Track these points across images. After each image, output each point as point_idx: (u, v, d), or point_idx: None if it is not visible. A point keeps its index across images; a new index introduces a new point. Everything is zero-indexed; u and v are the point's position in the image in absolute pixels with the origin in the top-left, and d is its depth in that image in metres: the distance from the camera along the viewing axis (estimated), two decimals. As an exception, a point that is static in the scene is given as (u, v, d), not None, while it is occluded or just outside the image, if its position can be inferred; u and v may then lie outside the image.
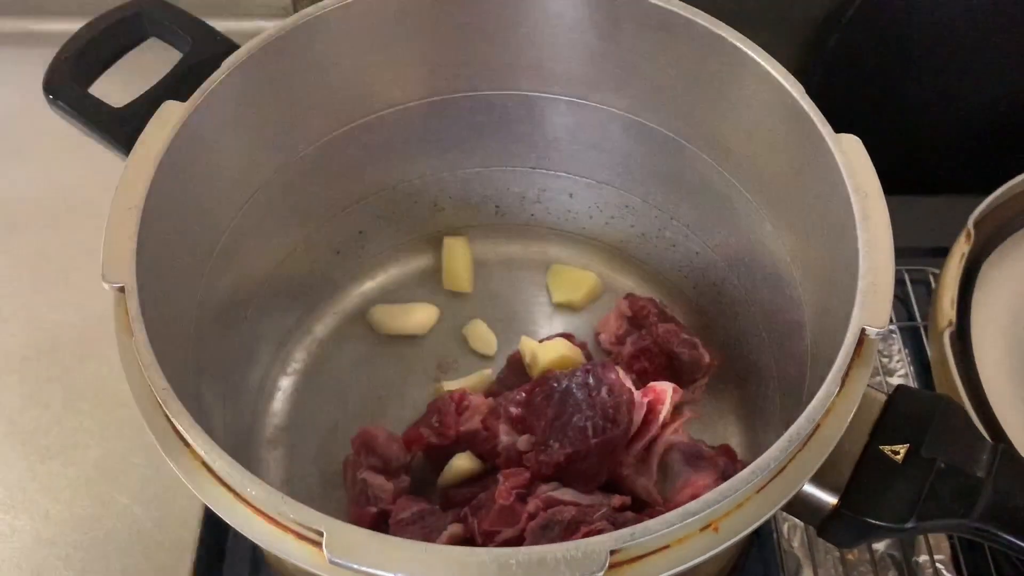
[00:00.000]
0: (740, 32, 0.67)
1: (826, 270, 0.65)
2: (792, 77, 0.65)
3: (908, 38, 1.03)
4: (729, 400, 0.84)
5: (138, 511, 0.83)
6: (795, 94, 0.64)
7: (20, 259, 0.99)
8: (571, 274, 0.91)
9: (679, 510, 0.48)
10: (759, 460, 0.50)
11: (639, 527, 0.47)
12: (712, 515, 0.49)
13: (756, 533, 0.81)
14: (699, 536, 0.49)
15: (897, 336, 0.94)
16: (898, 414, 0.58)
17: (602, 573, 0.46)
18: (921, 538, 0.81)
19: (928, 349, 0.88)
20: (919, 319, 0.95)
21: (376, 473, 0.74)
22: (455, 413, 0.75)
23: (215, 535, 0.81)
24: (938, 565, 0.80)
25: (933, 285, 0.95)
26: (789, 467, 0.52)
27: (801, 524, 0.82)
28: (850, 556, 0.81)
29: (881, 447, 0.57)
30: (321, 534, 0.47)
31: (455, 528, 0.68)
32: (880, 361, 0.92)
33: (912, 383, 0.90)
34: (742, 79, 0.68)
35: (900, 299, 0.97)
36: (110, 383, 0.90)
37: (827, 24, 1.06)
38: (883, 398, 0.59)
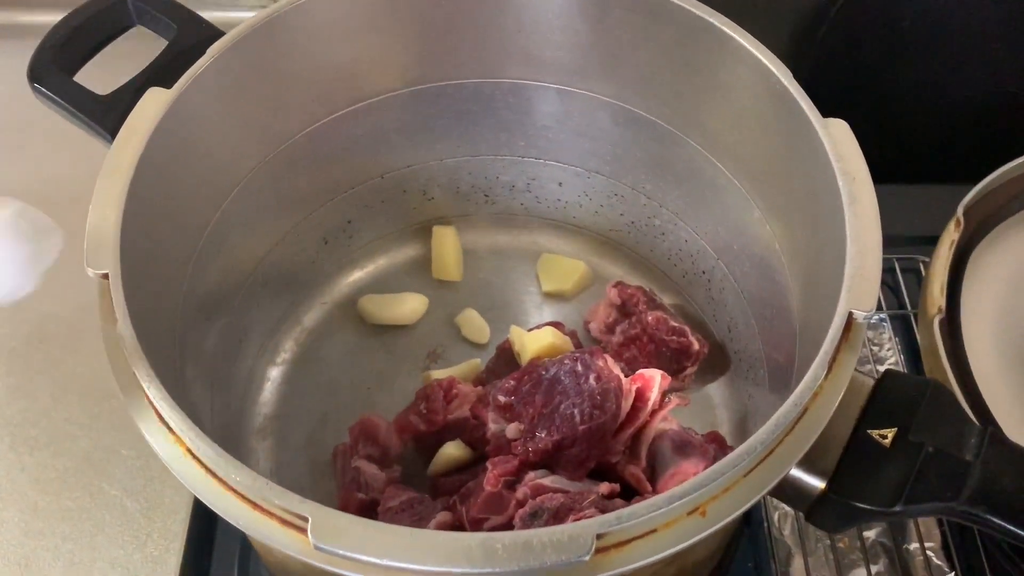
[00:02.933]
0: (729, 20, 0.67)
1: (814, 255, 0.65)
2: (779, 62, 0.64)
3: (898, 27, 1.03)
4: (718, 388, 0.84)
5: (127, 502, 0.83)
6: (783, 79, 0.64)
7: (7, 251, 0.98)
8: (561, 263, 0.90)
9: (666, 494, 0.48)
10: (746, 444, 0.50)
11: (625, 511, 0.47)
12: (699, 499, 0.49)
13: (746, 522, 0.81)
14: (686, 520, 0.49)
15: (887, 324, 0.94)
16: (886, 398, 0.58)
17: (588, 557, 0.46)
18: (912, 525, 0.81)
19: (918, 336, 0.88)
20: (909, 307, 0.95)
21: (370, 462, 0.74)
22: (443, 400, 0.75)
23: (204, 525, 0.81)
24: (928, 552, 0.80)
25: (923, 273, 0.95)
26: (776, 451, 0.52)
27: (792, 513, 0.82)
28: (841, 544, 0.81)
29: (869, 431, 0.57)
30: (306, 520, 0.47)
31: (444, 516, 0.67)
32: (870, 349, 0.92)
33: (902, 370, 0.90)
34: (730, 65, 0.68)
35: (890, 287, 0.97)
36: (98, 374, 0.90)
37: (817, 14, 1.05)
38: (871, 382, 0.59)
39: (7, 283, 0.49)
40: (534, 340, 0.79)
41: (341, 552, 0.46)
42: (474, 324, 0.87)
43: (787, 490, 0.57)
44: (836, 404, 0.54)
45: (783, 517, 0.82)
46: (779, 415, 0.51)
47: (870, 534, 0.81)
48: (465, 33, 0.76)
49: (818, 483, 0.56)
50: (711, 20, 0.67)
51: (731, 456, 0.49)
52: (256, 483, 0.48)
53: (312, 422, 0.82)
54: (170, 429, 0.52)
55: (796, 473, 0.56)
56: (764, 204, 0.72)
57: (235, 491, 0.50)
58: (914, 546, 0.80)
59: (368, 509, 0.72)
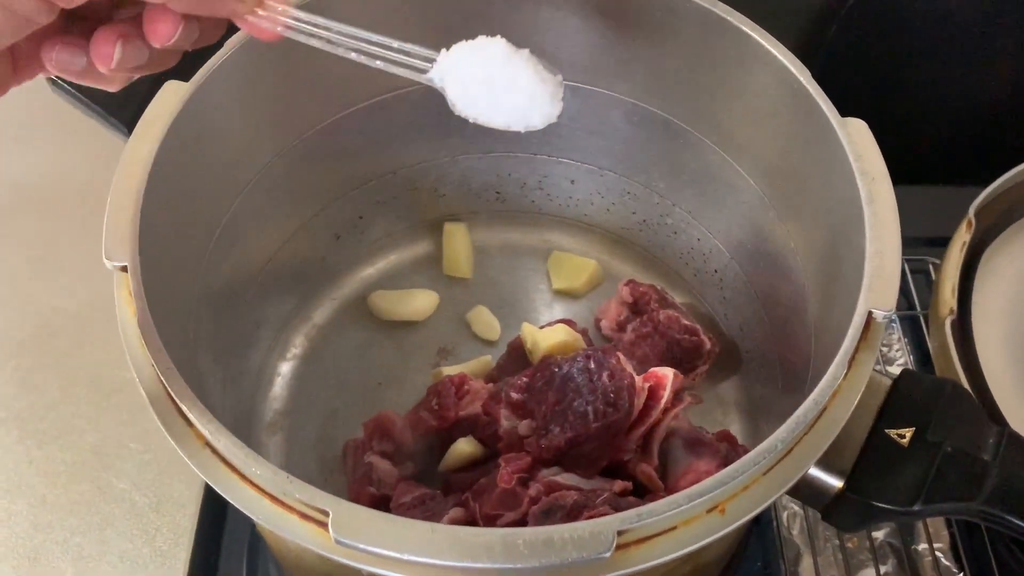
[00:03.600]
0: (746, 18, 0.67)
1: (830, 255, 0.64)
2: (798, 61, 0.64)
3: (908, 27, 1.03)
4: (730, 387, 0.84)
5: (135, 496, 0.83)
6: (801, 78, 0.63)
7: (17, 244, 0.98)
8: (572, 261, 0.90)
9: (686, 491, 0.48)
10: (766, 442, 0.50)
11: (645, 508, 0.47)
12: (718, 497, 0.49)
13: (756, 520, 0.81)
14: (705, 518, 0.49)
15: (897, 325, 0.94)
16: (903, 398, 0.58)
17: (609, 554, 0.46)
18: (920, 526, 0.81)
19: (928, 338, 0.88)
20: (919, 308, 0.95)
21: (383, 458, 0.74)
22: (455, 396, 0.75)
23: (213, 519, 0.81)
24: (937, 553, 0.80)
25: (933, 275, 0.95)
26: (795, 450, 0.52)
27: (801, 512, 0.82)
28: (850, 544, 0.81)
29: (887, 431, 0.57)
30: (327, 514, 0.46)
31: (456, 512, 0.67)
32: (880, 350, 0.92)
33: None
34: (746, 63, 0.67)
35: (900, 288, 0.96)
36: (107, 368, 0.90)
37: (826, 13, 1.05)
38: (888, 382, 0.59)
39: (544, 109, 0.54)
40: (546, 337, 0.79)
41: (362, 547, 0.46)
42: (484, 321, 0.87)
43: (804, 489, 0.57)
44: (855, 403, 0.53)
45: (792, 517, 0.82)
46: (799, 414, 0.51)
47: (879, 534, 0.81)
48: (480, 29, 0.75)
49: (836, 482, 0.56)
50: (728, 18, 0.67)
51: (751, 454, 0.49)
52: (276, 477, 0.48)
53: (322, 418, 0.82)
54: (188, 422, 0.52)
55: (814, 472, 0.56)
56: (780, 203, 0.71)
57: (254, 484, 0.49)
58: (923, 546, 0.80)
59: (379, 504, 0.72)
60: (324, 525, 0.46)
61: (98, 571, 0.79)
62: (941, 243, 0.87)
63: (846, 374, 0.54)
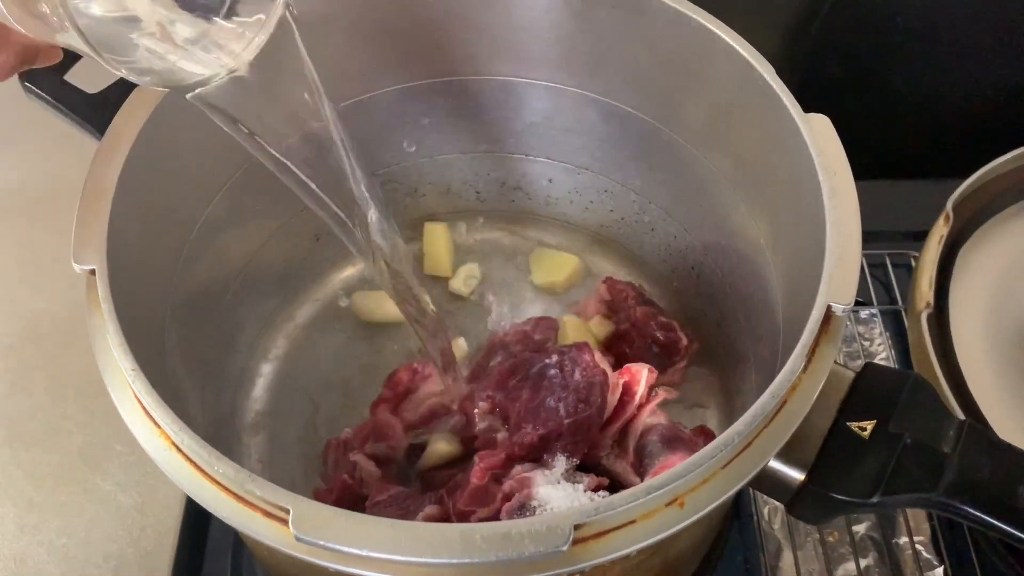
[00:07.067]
0: (723, 18, 0.67)
1: (796, 250, 0.65)
2: (762, 58, 0.65)
3: (890, 23, 1.03)
4: (707, 383, 0.84)
5: (121, 497, 0.83)
6: (765, 74, 0.64)
7: (3, 248, 0.99)
8: (553, 257, 0.91)
9: (643, 484, 0.48)
10: (724, 435, 0.50)
11: (603, 502, 0.48)
12: (677, 490, 0.50)
13: (736, 515, 0.81)
14: (665, 511, 0.50)
15: (878, 319, 0.94)
16: (866, 391, 0.59)
17: (566, 547, 0.46)
18: (901, 519, 0.81)
19: (908, 331, 0.88)
20: (900, 302, 0.95)
21: (369, 459, 0.75)
22: (409, 378, 0.77)
23: (197, 520, 0.81)
24: (918, 546, 0.80)
25: (914, 268, 0.95)
26: (755, 442, 0.52)
27: (782, 506, 0.82)
28: (830, 537, 0.81)
29: (848, 423, 0.57)
30: (288, 511, 0.47)
31: (432, 509, 0.68)
32: (861, 344, 0.92)
33: (892, 365, 0.91)
34: (714, 60, 0.68)
35: (881, 282, 0.97)
36: (93, 370, 0.88)
37: (810, 9, 1.06)
38: (851, 375, 0.59)
39: None
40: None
41: (322, 543, 0.46)
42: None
43: (767, 482, 0.57)
44: (815, 396, 0.54)
45: (773, 511, 0.82)
46: (757, 407, 0.51)
47: (859, 528, 0.81)
48: (454, 31, 0.76)
49: (798, 475, 0.57)
50: (694, 16, 0.67)
51: (709, 447, 0.49)
52: (238, 475, 0.48)
53: (304, 418, 0.83)
54: (155, 422, 0.53)
55: (775, 465, 0.56)
56: (749, 200, 0.72)
57: (218, 483, 0.50)
58: (903, 540, 0.81)
59: (354, 496, 0.72)
60: (286, 522, 0.47)
61: (83, 572, 0.80)
62: (923, 237, 0.87)
63: (806, 367, 0.54)
